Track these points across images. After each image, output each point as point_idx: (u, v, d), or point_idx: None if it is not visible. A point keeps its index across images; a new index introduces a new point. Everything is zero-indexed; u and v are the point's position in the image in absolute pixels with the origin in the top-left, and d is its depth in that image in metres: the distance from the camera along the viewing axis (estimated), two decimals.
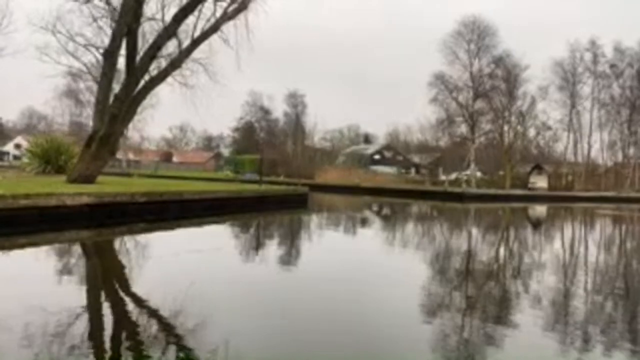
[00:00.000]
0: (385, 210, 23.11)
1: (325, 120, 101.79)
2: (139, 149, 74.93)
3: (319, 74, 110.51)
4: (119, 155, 64.68)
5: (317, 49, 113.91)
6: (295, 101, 72.40)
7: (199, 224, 12.31)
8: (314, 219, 16.11)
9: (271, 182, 29.11)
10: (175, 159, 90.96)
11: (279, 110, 73.37)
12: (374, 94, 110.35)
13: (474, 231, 15.20)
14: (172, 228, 11.20)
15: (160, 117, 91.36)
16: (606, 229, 18.34)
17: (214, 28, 17.48)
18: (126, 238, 9.68)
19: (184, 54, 17.33)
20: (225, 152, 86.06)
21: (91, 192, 9.70)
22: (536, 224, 19.19)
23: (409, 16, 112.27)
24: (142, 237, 9.88)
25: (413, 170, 66.76)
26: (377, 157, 75.58)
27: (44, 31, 15.15)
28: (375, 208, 24.20)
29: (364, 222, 16.46)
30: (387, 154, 77.20)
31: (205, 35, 17.51)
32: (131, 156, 68.59)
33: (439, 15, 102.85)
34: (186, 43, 17.33)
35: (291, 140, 70.06)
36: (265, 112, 76.61)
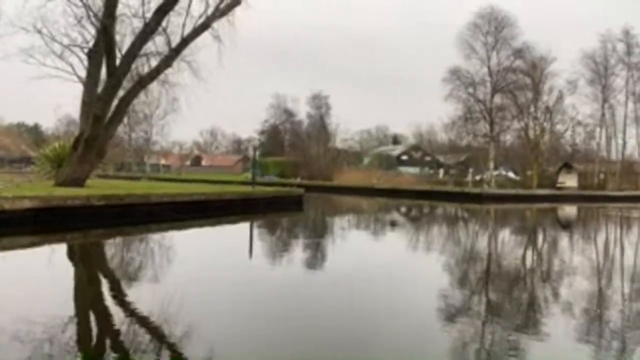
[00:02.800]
0: (386, 214, 22.05)
1: (353, 121, 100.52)
2: (166, 153, 76.53)
3: (348, 74, 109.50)
4: (145, 159, 66.12)
5: (345, 49, 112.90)
6: (319, 102, 71.95)
7: (161, 229, 11.68)
8: (290, 224, 15.31)
9: (268, 185, 28.49)
10: (204, 162, 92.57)
11: (303, 112, 73.15)
12: (403, 93, 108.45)
13: (473, 238, 14.03)
14: (124, 234, 10.65)
15: (192, 121, 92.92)
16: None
17: (205, 25, 17.11)
18: (63, 246, 9.21)
19: (175, 51, 17.01)
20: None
21: (37, 196, 9.28)
22: (555, 227, 17.69)
23: (438, 13, 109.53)
24: (81, 245, 9.38)
25: (441, 171, 64.88)
26: (404, 157, 74.20)
27: (25, 32, 15.01)
28: (377, 211, 23.20)
29: (349, 227, 15.54)
30: (415, 155, 75.66)
31: (197, 32, 17.15)
32: (154, 160, 69.92)
33: (466, 11, 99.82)
34: (176, 41, 17.02)
35: (315, 142, 69.62)
36: (290, 114, 76.75)
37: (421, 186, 37.79)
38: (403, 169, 63.29)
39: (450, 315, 5.24)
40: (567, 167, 41.93)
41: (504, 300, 6.20)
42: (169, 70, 17.60)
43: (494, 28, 37.52)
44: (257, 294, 5.65)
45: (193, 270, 7.05)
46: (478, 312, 5.54)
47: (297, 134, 74.34)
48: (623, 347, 4.40)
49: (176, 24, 16.88)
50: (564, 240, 13.45)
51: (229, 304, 5.16)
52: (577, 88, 41.91)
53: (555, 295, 6.53)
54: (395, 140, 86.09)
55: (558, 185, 39.90)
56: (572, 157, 43.95)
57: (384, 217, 19.51)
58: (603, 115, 43.09)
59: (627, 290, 6.99)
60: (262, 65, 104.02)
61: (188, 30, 16.89)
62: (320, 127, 70.42)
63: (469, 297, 6.21)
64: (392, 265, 8.21)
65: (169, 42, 16.98)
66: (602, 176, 42.35)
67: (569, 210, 26.12)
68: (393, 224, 16.80)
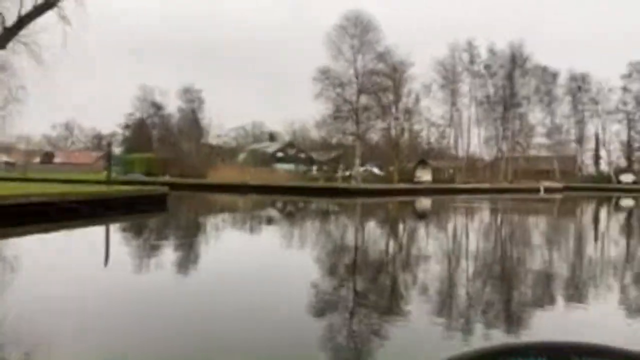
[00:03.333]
0: (259, 211, 21.91)
1: (228, 117, 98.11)
2: (8, 149, 66.57)
3: (223, 69, 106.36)
4: None
5: (220, 43, 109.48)
6: (191, 96, 69.04)
7: None
8: (150, 226, 14.27)
9: (130, 183, 26.37)
10: (58, 159, 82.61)
11: (173, 106, 69.34)
12: (279, 91, 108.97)
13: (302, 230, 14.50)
14: None
15: (44, 114, 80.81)
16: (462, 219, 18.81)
17: (49, 3, 15.07)
18: None
19: (10, 31, 14.69)
20: (118, 151, 79.93)
21: None
22: (412, 218, 19.19)
23: (313, 12, 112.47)
24: None
25: (315, 167, 66.92)
26: (279, 154, 74.76)
27: None
28: (249, 208, 22.96)
29: (214, 227, 15.01)
30: (290, 152, 76.69)
31: (38, 11, 15.02)
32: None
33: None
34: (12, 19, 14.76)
35: (186, 138, 66.60)
36: (158, 107, 72.33)
37: (294, 182, 38.43)
38: (278, 165, 63.79)
39: (323, 306, 5.37)
40: (423, 163, 46.46)
41: (371, 287, 6.50)
42: (2, 53, 15.23)
43: (359, 31, 39.60)
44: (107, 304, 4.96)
45: (35, 283, 5.99)
46: (347, 298, 5.76)
47: (166, 128, 70.36)
48: (473, 323, 4.85)
49: (12, 1, 14.64)
50: (420, 229, 14.67)
51: (76, 318, 4.42)
52: (431, 92, 46.80)
53: (415, 278, 7.00)
54: (272, 137, 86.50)
55: (415, 179, 43.94)
56: (428, 154, 48.82)
57: (254, 215, 19.27)
58: (452, 117, 48.76)
59: (471, 270, 7.78)
60: (129, 57, 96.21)
61: (27, 8, 14.79)
62: (192, 121, 67.69)
63: (340, 286, 6.39)
64: (262, 264, 7.99)
65: (2, 20, 14.68)
66: (451, 171, 47.91)
67: (425, 202, 28.82)
68: (264, 221, 16.64)
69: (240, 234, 12.82)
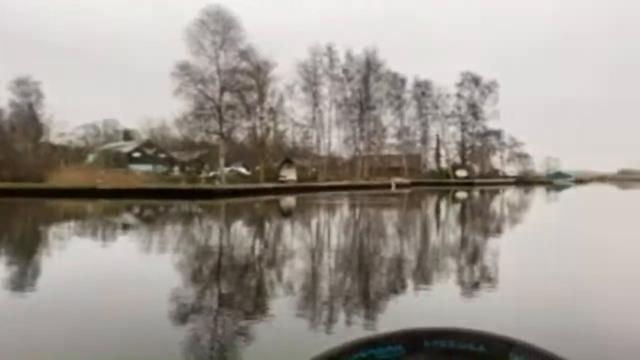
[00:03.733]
0: (102, 217, 19.93)
1: (76, 114, 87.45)
2: None
3: (69, 61, 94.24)
4: None
5: (66, 37, 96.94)
6: (27, 89, 60.14)
7: None
8: None
9: None
10: None
11: (4, 100, 59.81)
12: (135, 86, 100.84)
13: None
14: None
15: None
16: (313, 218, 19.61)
17: None
18: None
19: None
20: None
21: None
22: (277, 216, 19.22)
23: (174, 7, 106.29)
24: None
25: (176, 168, 63.45)
26: (136, 155, 69.41)
27: None
28: (95, 215, 20.76)
29: (40, 239, 13.20)
30: (149, 152, 71.70)
31: None
32: None
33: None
34: None
35: (21, 136, 57.78)
36: None
37: (153, 184, 35.93)
38: (135, 167, 59.17)
39: (184, 312, 5.06)
40: (288, 162, 47.49)
41: (235, 290, 6.21)
42: None
43: (221, 27, 38.58)
44: None
45: None
46: (210, 303, 5.48)
47: None
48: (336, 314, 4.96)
49: None
50: (285, 227, 14.78)
51: None
52: (294, 93, 48.10)
53: (279, 275, 6.89)
54: (127, 136, 79.90)
55: (280, 178, 44.65)
56: (293, 154, 50.05)
57: (104, 222, 17.40)
58: (314, 118, 50.76)
59: (332, 262, 7.96)
60: None
61: None
62: (28, 118, 59.14)
63: (203, 291, 6.02)
64: (105, 277, 7.10)
65: None
66: (314, 169, 49.86)
67: (290, 200, 29.36)
68: (114, 229, 15.07)
69: (83, 246, 11.34)
